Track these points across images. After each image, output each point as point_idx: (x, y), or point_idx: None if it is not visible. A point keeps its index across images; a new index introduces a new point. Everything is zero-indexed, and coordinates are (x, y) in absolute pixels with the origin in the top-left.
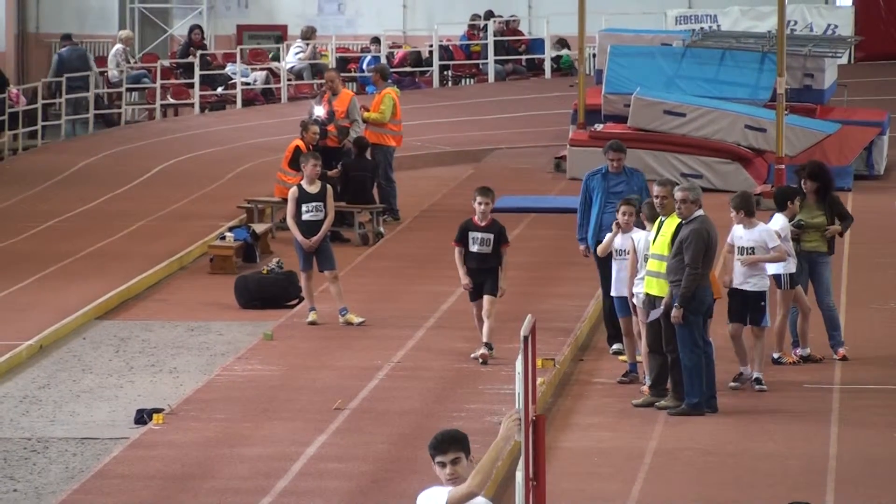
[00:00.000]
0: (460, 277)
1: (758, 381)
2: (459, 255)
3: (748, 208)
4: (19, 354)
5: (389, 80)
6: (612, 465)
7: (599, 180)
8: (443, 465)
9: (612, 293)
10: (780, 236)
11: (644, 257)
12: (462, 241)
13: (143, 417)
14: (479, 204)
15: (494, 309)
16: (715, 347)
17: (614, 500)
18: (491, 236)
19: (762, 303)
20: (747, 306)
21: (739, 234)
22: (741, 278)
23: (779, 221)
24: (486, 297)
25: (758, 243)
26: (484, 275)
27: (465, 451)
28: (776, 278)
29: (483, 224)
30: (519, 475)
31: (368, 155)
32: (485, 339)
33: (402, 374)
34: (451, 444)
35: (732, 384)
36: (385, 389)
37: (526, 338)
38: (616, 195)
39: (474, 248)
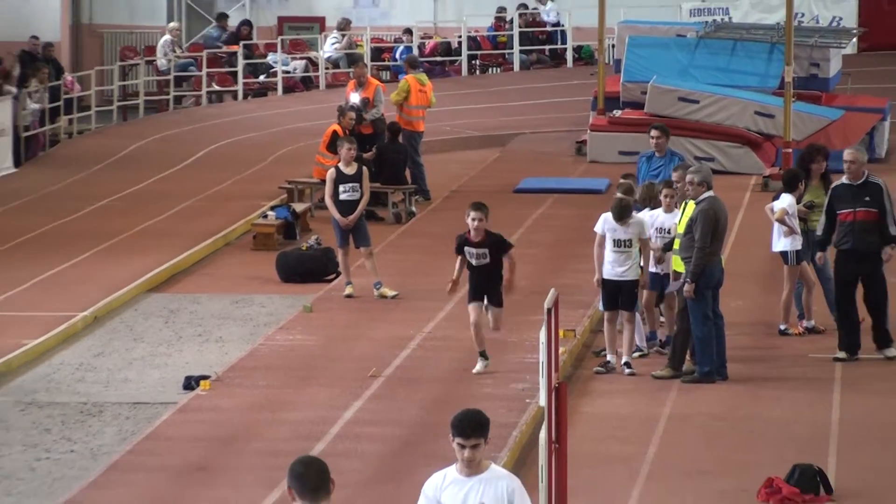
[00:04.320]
0: (453, 276)
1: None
2: (460, 263)
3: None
4: (75, 325)
5: (420, 69)
6: (629, 429)
7: (645, 162)
8: (462, 447)
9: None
10: (787, 213)
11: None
12: (461, 253)
13: (190, 384)
14: (472, 220)
15: (502, 319)
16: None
17: (631, 461)
18: (486, 251)
19: (635, 290)
20: (619, 295)
21: (613, 227)
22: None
23: (786, 200)
24: (492, 310)
25: (634, 235)
26: (486, 282)
27: (485, 438)
28: (783, 255)
29: (477, 240)
30: (542, 438)
31: (401, 139)
32: (479, 347)
33: (432, 344)
34: (474, 431)
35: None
36: (417, 358)
37: (549, 310)
38: (654, 177)
39: (473, 262)
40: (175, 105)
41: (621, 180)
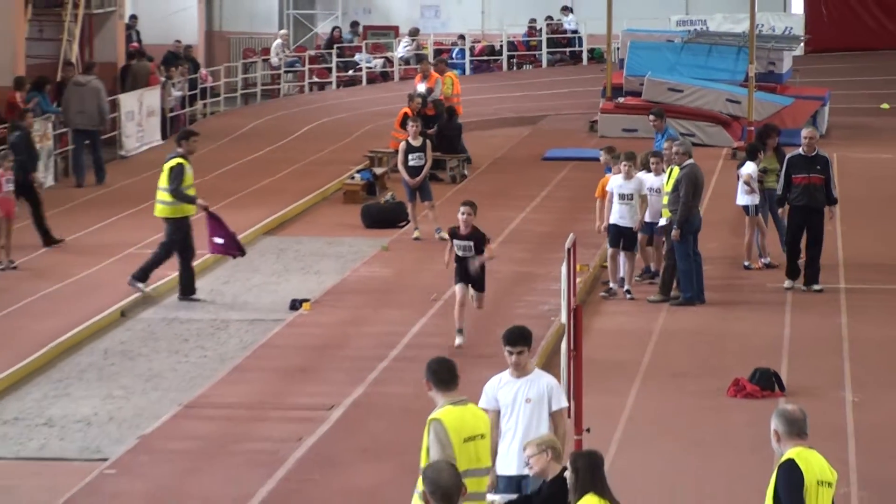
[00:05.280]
0: (446, 257)
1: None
2: (451, 246)
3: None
4: (207, 260)
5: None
6: (629, 341)
7: (659, 137)
8: (511, 353)
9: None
10: (752, 178)
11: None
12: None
13: (295, 305)
14: (462, 214)
15: (484, 300)
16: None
17: (630, 365)
18: (471, 243)
19: (635, 235)
20: (622, 238)
21: (619, 184)
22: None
23: (750, 167)
24: (476, 294)
25: (635, 191)
26: (471, 274)
27: (529, 346)
28: (745, 208)
29: (464, 233)
30: (563, 347)
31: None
32: (459, 325)
33: None
34: (519, 340)
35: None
36: None
37: (569, 249)
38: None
39: (460, 253)
40: (284, 93)
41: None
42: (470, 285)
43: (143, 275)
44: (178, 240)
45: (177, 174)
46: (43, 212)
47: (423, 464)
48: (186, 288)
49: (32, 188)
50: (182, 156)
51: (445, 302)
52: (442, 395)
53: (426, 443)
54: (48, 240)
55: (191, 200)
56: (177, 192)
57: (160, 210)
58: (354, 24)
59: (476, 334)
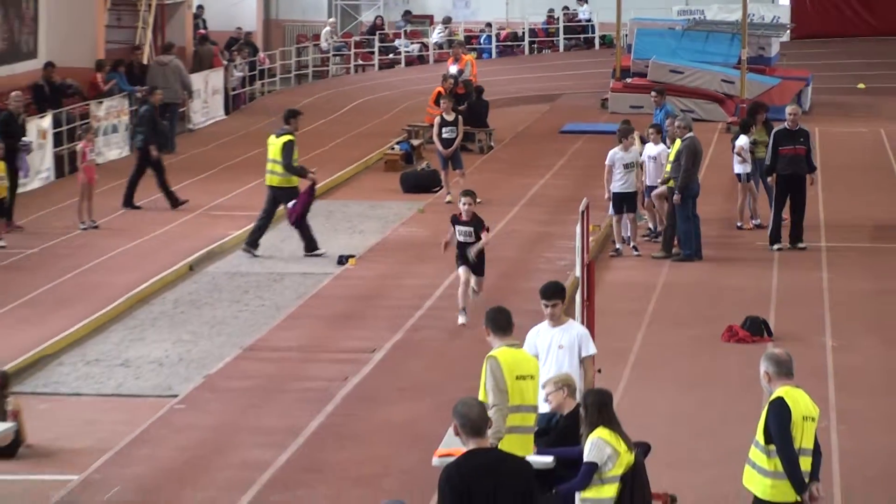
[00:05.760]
0: (443, 240)
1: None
2: (451, 232)
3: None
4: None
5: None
6: (636, 292)
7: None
8: (546, 306)
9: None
10: (744, 149)
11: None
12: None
13: (342, 260)
14: (463, 204)
15: (483, 284)
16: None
17: (637, 314)
18: (471, 229)
19: (635, 198)
20: (624, 203)
21: (621, 156)
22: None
23: (743, 140)
24: (475, 278)
25: (634, 160)
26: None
27: (562, 299)
28: (738, 176)
29: (465, 220)
30: (578, 298)
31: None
32: (462, 304)
33: (505, 234)
34: (554, 294)
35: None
36: (494, 245)
37: (583, 212)
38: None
39: (460, 238)
40: (332, 74)
41: (621, 125)
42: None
43: (256, 241)
44: (288, 201)
45: (289, 149)
46: (166, 177)
47: (481, 398)
48: (309, 246)
49: (154, 156)
50: (290, 132)
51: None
52: (499, 339)
53: (483, 378)
54: (174, 202)
55: (301, 173)
56: (289, 166)
57: (271, 180)
58: (407, 13)
59: (502, 289)
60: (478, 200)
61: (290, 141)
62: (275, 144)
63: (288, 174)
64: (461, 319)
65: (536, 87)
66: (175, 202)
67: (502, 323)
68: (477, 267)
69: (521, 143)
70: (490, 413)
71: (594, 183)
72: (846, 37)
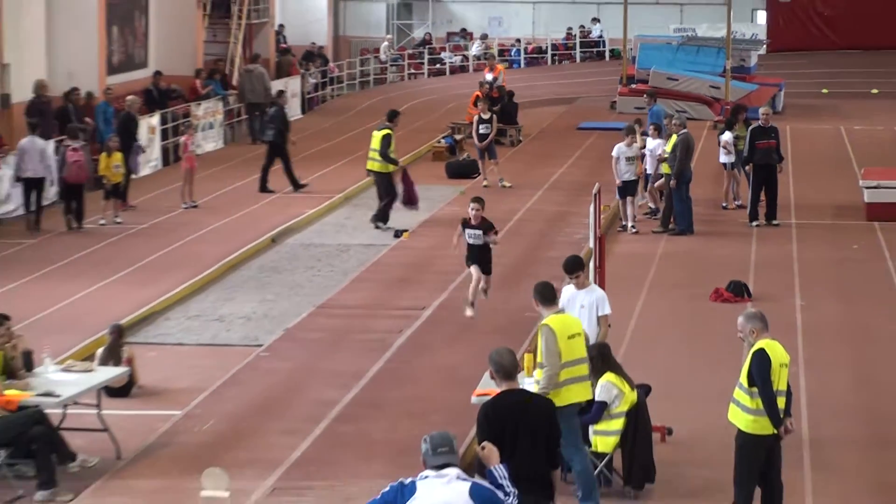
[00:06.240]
0: (454, 240)
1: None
2: (460, 232)
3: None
4: (334, 202)
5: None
6: (639, 260)
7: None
8: (570, 278)
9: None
10: (728, 143)
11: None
12: (464, 228)
13: (398, 234)
14: (472, 209)
15: (490, 282)
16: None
17: (639, 278)
18: (480, 232)
19: (636, 185)
20: (627, 189)
21: (625, 151)
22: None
23: (728, 136)
24: (483, 276)
25: (635, 153)
26: (480, 257)
27: (583, 269)
28: (724, 164)
29: (475, 224)
30: (591, 265)
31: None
32: (472, 299)
33: (531, 213)
34: (574, 268)
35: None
36: (522, 221)
37: (595, 194)
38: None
39: (470, 241)
40: (390, 81)
41: (630, 124)
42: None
43: (382, 216)
44: (387, 184)
45: (386, 141)
46: (292, 165)
47: (538, 359)
48: (379, 216)
49: (283, 148)
50: (390, 128)
51: (506, 231)
52: (546, 308)
53: (539, 341)
54: (296, 185)
55: (394, 162)
56: (385, 155)
57: (371, 165)
58: (463, 30)
59: (529, 257)
60: (508, 185)
61: (388, 134)
62: (376, 136)
63: (385, 162)
64: (469, 312)
65: (557, 91)
66: (297, 186)
67: (549, 295)
68: (484, 266)
69: (544, 138)
70: (542, 371)
71: (605, 171)
72: (812, 50)
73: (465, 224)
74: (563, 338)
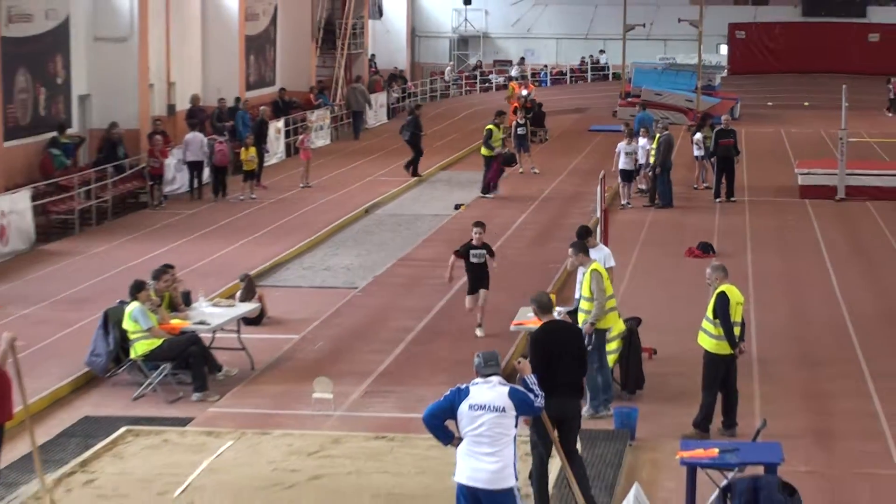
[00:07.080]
0: (446, 275)
1: (628, 203)
2: (453, 262)
3: (632, 130)
4: (410, 184)
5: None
6: (633, 227)
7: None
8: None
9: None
10: (699, 141)
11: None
12: (464, 255)
13: (457, 206)
14: (475, 233)
15: (488, 298)
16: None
17: (633, 240)
18: (484, 252)
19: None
20: (625, 175)
21: (624, 147)
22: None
23: (698, 135)
24: (482, 291)
25: (633, 149)
26: (481, 274)
27: (591, 234)
28: (696, 157)
29: (478, 245)
30: (598, 230)
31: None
32: (479, 322)
33: (554, 192)
34: (585, 233)
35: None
36: (548, 198)
37: (601, 178)
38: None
39: (474, 260)
40: (452, 95)
41: (625, 127)
42: (479, 286)
43: (487, 188)
44: (492, 165)
45: (488, 133)
46: (419, 159)
47: (585, 293)
48: (485, 189)
49: (418, 143)
50: (495, 124)
51: (538, 203)
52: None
53: (587, 282)
54: (414, 173)
55: (491, 147)
56: (486, 142)
57: (481, 150)
58: (521, 60)
59: (552, 224)
60: (537, 171)
61: (490, 129)
62: (486, 129)
63: (489, 148)
64: (479, 333)
65: (574, 103)
66: (415, 173)
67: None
68: (484, 283)
69: (564, 137)
70: (591, 303)
71: (608, 162)
72: (761, 73)
73: (470, 245)
74: (606, 279)
